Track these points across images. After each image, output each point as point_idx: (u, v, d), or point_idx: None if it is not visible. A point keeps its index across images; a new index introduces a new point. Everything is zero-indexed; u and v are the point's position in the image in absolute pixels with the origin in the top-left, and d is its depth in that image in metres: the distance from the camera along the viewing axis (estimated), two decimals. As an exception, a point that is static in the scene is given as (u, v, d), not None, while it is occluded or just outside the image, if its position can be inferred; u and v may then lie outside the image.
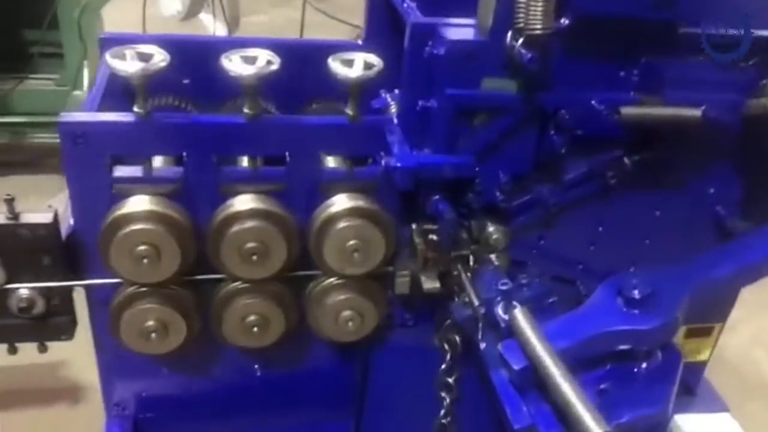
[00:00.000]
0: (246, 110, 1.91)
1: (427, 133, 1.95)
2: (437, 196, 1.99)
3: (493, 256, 2.17)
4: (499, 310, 1.86)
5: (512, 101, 1.88)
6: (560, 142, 1.97)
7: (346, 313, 2.11)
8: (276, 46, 2.47)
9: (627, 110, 1.89)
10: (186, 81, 2.44)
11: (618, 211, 2.28)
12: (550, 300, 2.12)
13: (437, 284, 2.06)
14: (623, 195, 2.24)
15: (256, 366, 2.36)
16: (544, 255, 2.31)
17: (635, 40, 1.92)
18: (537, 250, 2.31)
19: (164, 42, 2.36)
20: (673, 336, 1.85)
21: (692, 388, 2.74)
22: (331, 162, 2.14)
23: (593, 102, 1.93)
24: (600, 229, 2.31)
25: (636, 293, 1.83)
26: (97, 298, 2.09)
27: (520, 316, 1.77)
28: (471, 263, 2.12)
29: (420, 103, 1.91)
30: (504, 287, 1.84)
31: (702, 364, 2.75)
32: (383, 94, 2.34)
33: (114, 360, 2.22)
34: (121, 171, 1.93)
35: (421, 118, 1.94)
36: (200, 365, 2.31)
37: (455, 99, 1.85)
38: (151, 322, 2.01)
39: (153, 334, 2.02)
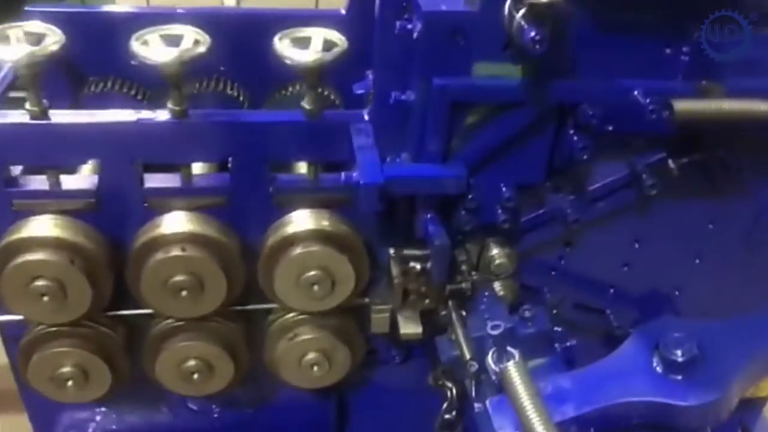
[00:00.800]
0: (170, 105, 1.47)
1: (404, 134, 1.49)
2: (428, 215, 1.53)
3: (497, 285, 1.73)
4: (490, 360, 1.42)
5: (515, 93, 1.40)
6: (582, 145, 1.49)
7: (311, 356, 1.69)
8: (242, 17, 2.07)
9: (682, 105, 1.39)
10: (134, 62, 2.01)
11: (659, 224, 1.80)
12: (568, 342, 1.69)
13: (419, 329, 1.61)
14: (666, 205, 1.76)
15: (213, 406, 1.97)
16: (565, 278, 1.85)
17: (686, 5, 1.42)
18: (556, 271, 1.84)
19: (99, 16, 1.99)
20: (725, 415, 1.37)
21: (749, 429, 2.25)
22: (303, 168, 1.70)
23: (635, 93, 1.44)
24: (636, 245, 1.83)
25: (678, 354, 1.36)
26: (10, 335, 1.72)
27: (513, 371, 1.33)
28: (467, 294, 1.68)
29: (394, 94, 1.45)
30: (495, 331, 1.39)
31: (762, 400, 2.26)
32: (370, 77, 1.87)
33: (41, 400, 1.85)
34: (26, 183, 1.53)
35: (395, 115, 1.47)
36: (144, 405, 1.92)
37: (437, 90, 1.38)
38: (66, 368, 1.63)
39: (69, 382, 1.64)
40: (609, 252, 1.84)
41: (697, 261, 1.88)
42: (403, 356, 1.89)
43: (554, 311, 1.83)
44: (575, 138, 1.49)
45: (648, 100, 1.39)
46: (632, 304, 1.93)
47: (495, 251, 1.68)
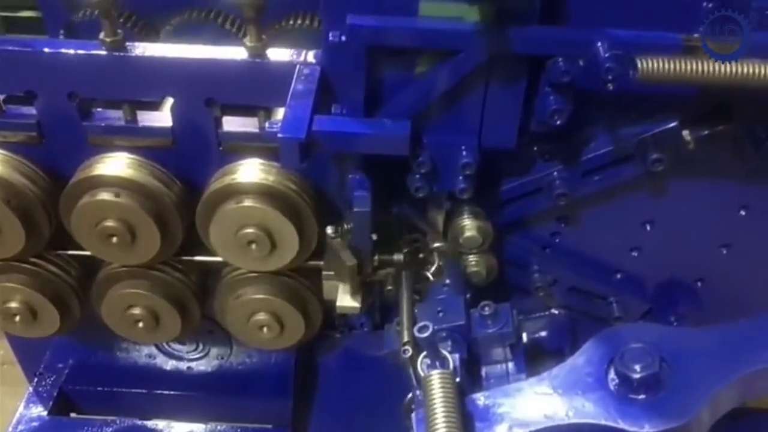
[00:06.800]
0: (102, 37, 1.34)
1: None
2: (356, 175, 1.34)
3: (471, 258, 1.52)
4: (420, 365, 1.23)
5: (468, 40, 1.16)
6: (555, 107, 1.24)
7: (260, 317, 1.57)
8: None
9: (647, 64, 1.10)
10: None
11: (675, 205, 1.53)
12: (538, 332, 1.48)
13: (357, 304, 1.44)
14: (683, 184, 1.48)
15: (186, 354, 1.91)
16: (560, 258, 1.61)
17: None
18: (550, 249, 1.61)
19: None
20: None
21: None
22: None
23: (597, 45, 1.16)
24: (647, 228, 1.56)
25: (636, 369, 1.12)
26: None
27: (436, 381, 1.14)
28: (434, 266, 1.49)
29: (330, 35, 1.25)
30: (422, 334, 1.18)
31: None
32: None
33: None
34: (103, 118, 1.45)
35: (339, 60, 1.27)
36: (115, 340, 1.87)
37: (371, 33, 1.16)
38: (14, 304, 1.59)
39: (17, 317, 1.61)
40: (613, 233, 1.58)
41: (724, 251, 1.59)
42: (371, 325, 1.73)
43: (541, 294, 1.62)
44: (551, 97, 1.24)
45: (607, 55, 1.11)
46: (642, 294, 1.67)
47: (466, 222, 1.46)
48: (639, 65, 1.07)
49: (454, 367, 1.20)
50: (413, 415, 1.20)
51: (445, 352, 1.22)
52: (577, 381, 1.17)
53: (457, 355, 1.24)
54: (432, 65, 1.22)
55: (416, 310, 1.41)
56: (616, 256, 1.61)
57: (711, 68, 1.08)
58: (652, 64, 1.07)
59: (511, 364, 1.37)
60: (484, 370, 1.36)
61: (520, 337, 1.38)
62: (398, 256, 1.43)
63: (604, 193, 1.48)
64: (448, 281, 1.45)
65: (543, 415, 1.15)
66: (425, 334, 1.18)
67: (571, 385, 1.17)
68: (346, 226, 1.39)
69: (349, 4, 1.19)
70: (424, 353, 1.22)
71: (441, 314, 1.36)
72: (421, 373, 1.20)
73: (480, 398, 1.19)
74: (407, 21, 1.15)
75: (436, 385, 1.13)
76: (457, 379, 1.17)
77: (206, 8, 1.85)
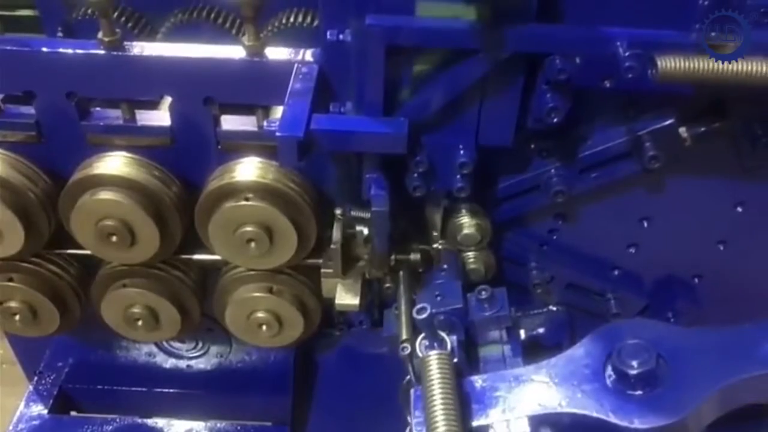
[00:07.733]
0: (101, 36, 1.34)
1: (345, 81, 1.29)
2: (373, 175, 1.35)
3: (470, 255, 1.53)
4: (419, 346, 1.24)
5: (466, 37, 1.17)
6: (552, 105, 1.24)
7: (259, 315, 1.57)
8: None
9: (667, 63, 1.10)
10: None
11: (672, 202, 1.53)
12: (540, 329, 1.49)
13: (356, 301, 1.45)
14: (680, 181, 1.49)
15: (185, 352, 1.91)
16: (558, 254, 1.62)
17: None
18: (547, 246, 1.61)
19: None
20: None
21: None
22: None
23: (617, 44, 1.16)
24: (644, 224, 1.56)
25: (633, 365, 1.13)
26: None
27: (434, 363, 1.15)
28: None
29: (329, 34, 1.25)
30: (420, 315, 1.19)
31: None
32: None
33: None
34: (101, 117, 1.45)
35: (336, 58, 1.28)
36: (115, 338, 1.87)
37: (371, 31, 1.17)
38: (13, 303, 1.59)
39: (17, 316, 1.61)
40: (611, 230, 1.58)
41: (721, 247, 1.59)
42: (370, 322, 1.74)
43: (539, 290, 1.63)
44: (548, 96, 1.24)
45: (627, 54, 1.11)
46: (640, 290, 1.67)
47: (464, 219, 1.47)
48: (659, 64, 1.07)
49: (452, 348, 1.21)
50: (411, 391, 1.21)
51: (443, 334, 1.23)
52: (574, 372, 1.18)
53: (454, 337, 1.25)
54: (432, 65, 1.22)
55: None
56: (613, 252, 1.62)
57: (731, 67, 1.08)
58: (673, 63, 1.07)
59: (507, 347, 1.38)
60: (481, 353, 1.38)
61: (517, 322, 1.39)
62: (415, 256, 1.44)
63: (601, 190, 1.48)
64: (445, 266, 1.45)
65: (537, 402, 1.17)
66: (423, 316, 1.19)
67: (568, 376, 1.18)
68: (353, 213, 1.39)
69: (347, 3, 1.19)
70: (423, 335, 1.23)
71: (439, 298, 1.37)
72: (420, 354, 1.21)
73: (478, 381, 1.21)
74: (427, 21, 1.15)
75: (434, 365, 1.15)
76: (455, 360, 1.19)
77: (204, 7, 1.86)
